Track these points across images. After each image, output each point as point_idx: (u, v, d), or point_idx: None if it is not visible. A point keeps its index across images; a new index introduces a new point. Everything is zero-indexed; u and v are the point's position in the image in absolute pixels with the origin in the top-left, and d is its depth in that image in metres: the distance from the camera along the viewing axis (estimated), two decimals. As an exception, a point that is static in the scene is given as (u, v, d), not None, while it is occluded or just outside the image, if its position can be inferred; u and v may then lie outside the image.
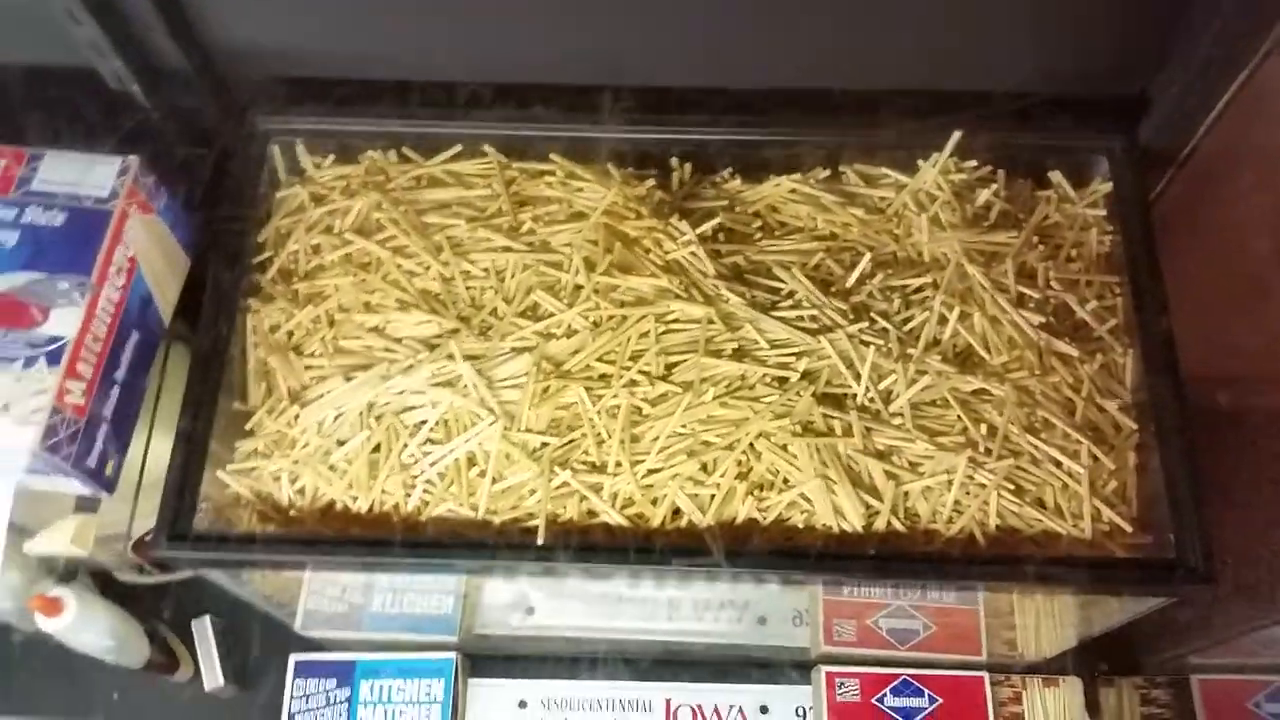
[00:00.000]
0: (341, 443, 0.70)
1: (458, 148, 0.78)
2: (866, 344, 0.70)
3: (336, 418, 0.71)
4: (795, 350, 0.71)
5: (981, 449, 0.68)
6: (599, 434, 0.69)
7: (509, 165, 0.78)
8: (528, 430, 0.69)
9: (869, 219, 0.76)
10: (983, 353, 0.71)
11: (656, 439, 0.69)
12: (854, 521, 0.67)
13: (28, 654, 0.95)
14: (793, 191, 0.77)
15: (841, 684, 0.90)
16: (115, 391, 0.66)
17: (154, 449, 0.77)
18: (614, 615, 0.90)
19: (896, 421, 0.69)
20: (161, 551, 0.65)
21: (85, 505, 0.73)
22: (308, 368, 0.73)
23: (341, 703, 0.90)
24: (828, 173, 0.78)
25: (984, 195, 0.76)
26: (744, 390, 0.70)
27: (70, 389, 0.62)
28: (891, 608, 0.87)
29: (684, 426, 0.69)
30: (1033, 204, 0.77)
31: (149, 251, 0.69)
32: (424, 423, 0.70)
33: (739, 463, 0.69)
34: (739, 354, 0.71)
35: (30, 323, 0.62)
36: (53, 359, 0.62)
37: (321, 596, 0.84)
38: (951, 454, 0.68)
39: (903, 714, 0.89)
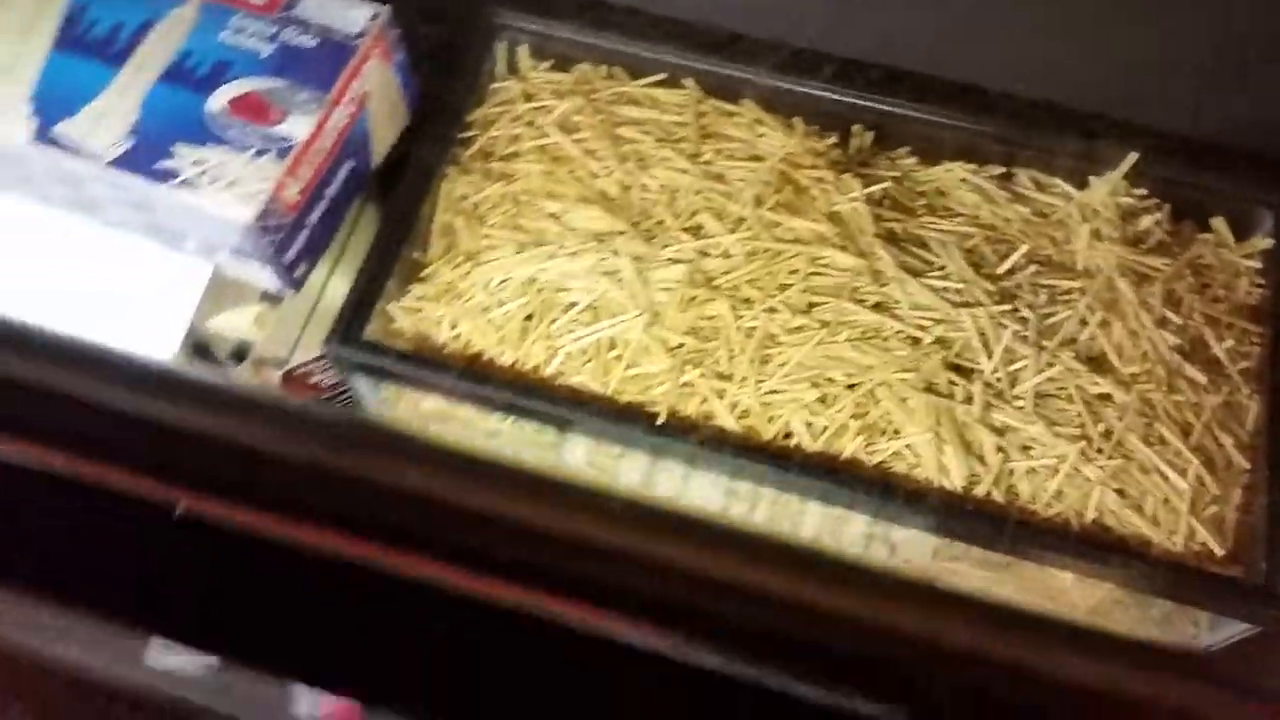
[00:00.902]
0: (502, 304, 0.77)
1: (662, 75, 0.84)
2: (1004, 326, 0.73)
3: (502, 282, 0.77)
4: (934, 316, 0.74)
5: (1095, 446, 0.70)
6: (732, 349, 0.74)
7: (703, 100, 0.84)
8: (669, 329, 0.74)
9: (1032, 220, 0.80)
10: (1115, 360, 0.73)
11: (784, 364, 0.73)
12: (956, 481, 0.70)
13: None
14: (964, 180, 0.81)
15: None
16: (323, 205, 0.74)
17: (331, 286, 0.84)
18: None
19: (1018, 404, 0.72)
20: (336, 350, 0.73)
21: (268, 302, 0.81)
22: (485, 236, 0.80)
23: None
24: (1001, 171, 0.82)
25: (1146, 222, 0.79)
26: (876, 340, 0.74)
27: (288, 185, 0.69)
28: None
29: (813, 360, 0.73)
30: (1190, 242, 0.79)
31: (378, 96, 0.76)
32: (575, 304, 0.76)
33: (857, 404, 0.72)
34: (878, 308, 0.75)
35: (268, 120, 0.70)
36: (281, 154, 0.69)
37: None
38: (1065, 443, 0.70)
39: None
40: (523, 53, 0.87)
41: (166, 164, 0.69)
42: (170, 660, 0.95)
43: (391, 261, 0.78)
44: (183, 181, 0.69)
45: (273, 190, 0.68)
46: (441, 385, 0.74)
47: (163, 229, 0.73)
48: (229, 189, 0.68)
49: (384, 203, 0.82)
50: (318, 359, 0.92)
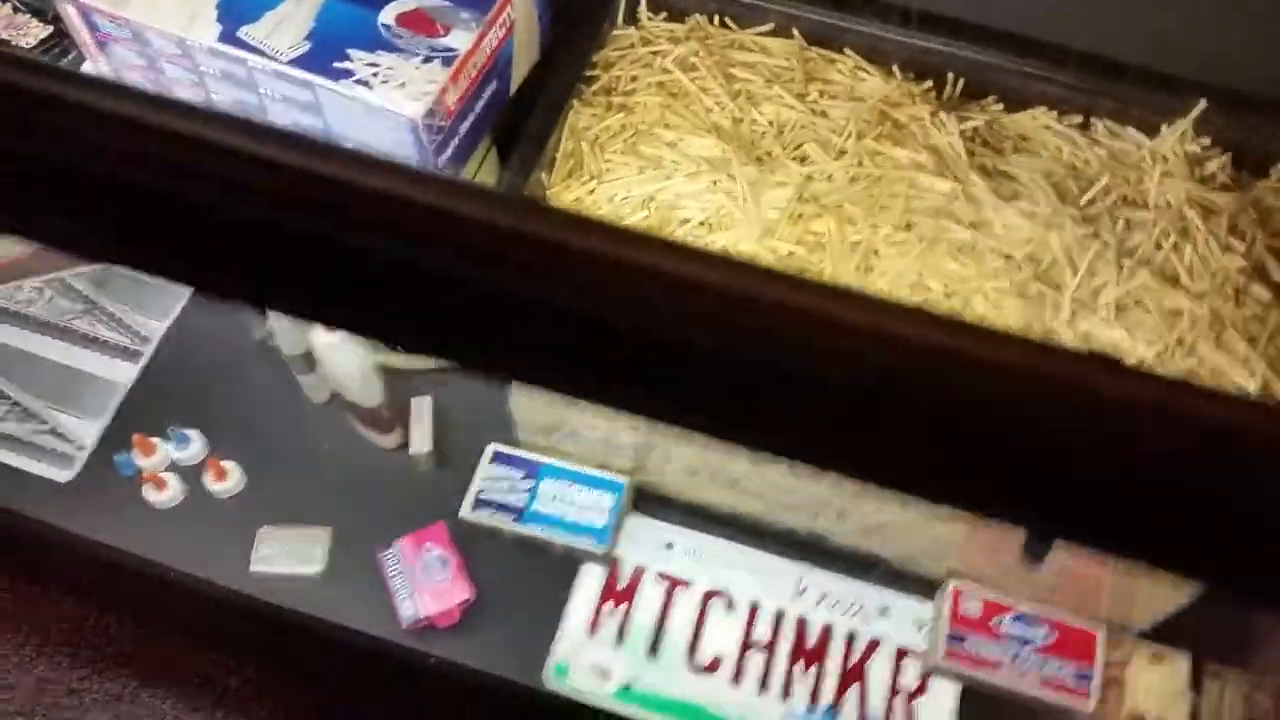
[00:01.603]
0: (622, 219, 0.84)
1: (769, 25, 0.93)
2: (1087, 247, 0.81)
3: (624, 199, 0.84)
4: (1024, 236, 0.82)
5: (1170, 352, 0.77)
6: (837, 259, 0.81)
7: (808, 48, 0.92)
8: (779, 240, 0.81)
9: (1108, 161, 0.87)
10: (1186, 279, 0.81)
11: (885, 274, 0.80)
12: (1045, 377, 0.76)
13: (264, 391, 1.10)
14: (1047, 127, 0.89)
15: (967, 600, 0.97)
16: (472, 117, 0.81)
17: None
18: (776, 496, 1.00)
19: (1100, 314, 0.79)
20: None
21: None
22: (607, 160, 0.87)
23: (524, 491, 1.02)
24: (1080, 120, 0.90)
25: (1211, 166, 0.87)
26: (972, 255, 0.81)
27: (450, 91, 0.77)
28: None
29: (913, 270, 0.80)
30: (1250, 186, 0.87)
31: (522, 26, 0.84)
32: (690, 220, 0.83)
33: (953, 311, 0.79)
34: (973, 228, 0.82)
35: (434, 33, 0.78)
36: (445, 63, 0.77)
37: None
38: (1143, 346, 0.77)
39: (1018, 641, 0.95)
40: (641, 5, 0.95)
41: (342, 65, 0.77)
42: (276, 566, 1.00)
43: (522, 183, 0.85)
44: (358, 80, 0.76)
45: (438, 92, 0.76)
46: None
47: (326, 133, 0.81)
48: (400, 89, 0.76)
49: (511, 134, 0.90)
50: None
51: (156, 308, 1.15)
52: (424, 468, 1.06)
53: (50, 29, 1.03)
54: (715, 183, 0.84)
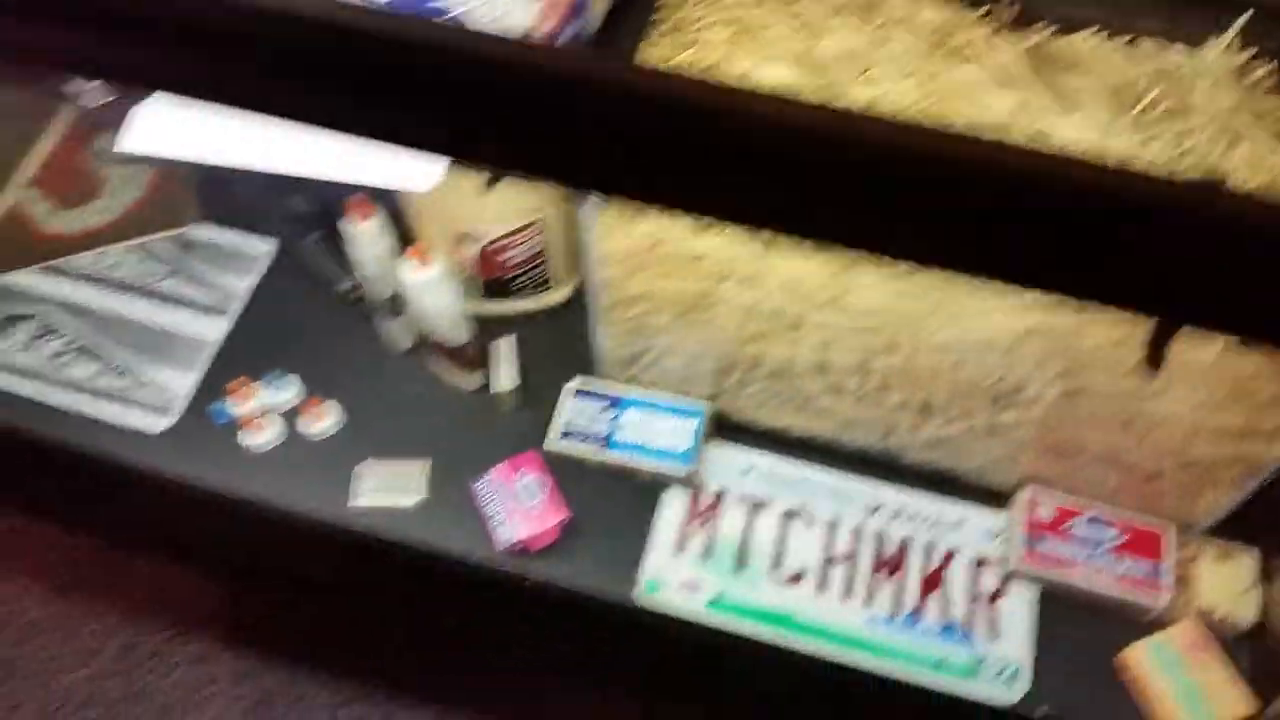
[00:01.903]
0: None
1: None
2: (1142, 153, 0.85)
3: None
4: (1083, 147, 0.86)
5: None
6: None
7: (872, -18, 0.97)
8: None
9: (1158, 76, 0.92)
10: (1242, 176, 0.85)
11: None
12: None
13: (347, 342, 1.15)
14: (1097, 46, 0.94)
15: (1040, 505, 1.01)
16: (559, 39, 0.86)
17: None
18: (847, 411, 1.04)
19: (1161, 210, 0.83)
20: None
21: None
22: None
23: (607, 421, 1.06)
24: (1128, 39, 0.94)
25: (1257, 73, 0.91)
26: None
27: (546, 19, 0.82)
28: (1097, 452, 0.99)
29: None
30: (1298, 94, 0.92)
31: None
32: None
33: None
34: (1034, 138, 0.87)
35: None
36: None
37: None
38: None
39: (1089, 544, 1.00)
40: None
41: (436, 4, 0.82)
42: (376, 499, 1.05)
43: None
44: (452, 17, 0.81)
45: (532, 22, 0.81)
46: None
47: None
48: (495, 22, 0.81)
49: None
50: (515, 231, 1.04)
51: (239, 267, 1.20)
52: (507, 406, 1.11)
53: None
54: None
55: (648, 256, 0.90)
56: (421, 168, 0.88)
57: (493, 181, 0.92)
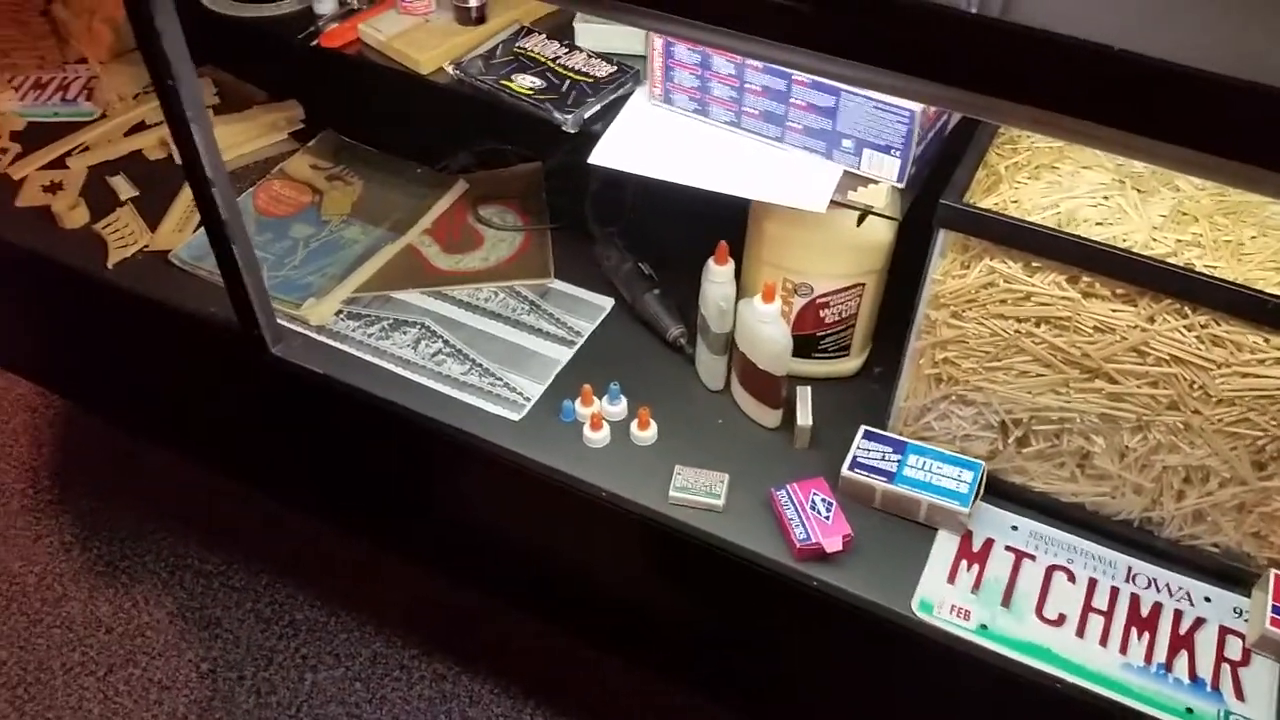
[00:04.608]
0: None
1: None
2: None
3: (1033, 204, 1.10)
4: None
5: None
6: (1210, 250, 1.04)
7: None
8: (1164, 234, 1.05)
9: None
10: None
11: (1256, 255, 1.03)
12: None
13: (667, 380, 1.36)
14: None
15: (1288, 591, 1.11)
16: (928, 140, 1.10)
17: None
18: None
19: None
20: (947, 209, 1.06)
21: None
22: (1016, 184, 1.14)
23: (893, 461, 1.23)
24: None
25: None
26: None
27: (928, 111, 1.06)
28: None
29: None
30: None
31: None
32: (1087, 220, 1.08)
33: None
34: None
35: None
36: (925, 81, 1.07)
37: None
38: None
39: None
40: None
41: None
42: (690, 495, 1.22)
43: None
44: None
45: (923, 108, 1.05)
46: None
47: (831, 135, 1.11)
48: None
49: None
50: (841, 290, 1.26)
51: (585, 313, 1.45)
52: (803, 442, 1.29)
53: (615, 67, 1.36)
54: (1106, 199, 1.09)
55: (979, 295, 1.09)
56: (817, 190, 1.11)
57: (862, 219, 1.14)
